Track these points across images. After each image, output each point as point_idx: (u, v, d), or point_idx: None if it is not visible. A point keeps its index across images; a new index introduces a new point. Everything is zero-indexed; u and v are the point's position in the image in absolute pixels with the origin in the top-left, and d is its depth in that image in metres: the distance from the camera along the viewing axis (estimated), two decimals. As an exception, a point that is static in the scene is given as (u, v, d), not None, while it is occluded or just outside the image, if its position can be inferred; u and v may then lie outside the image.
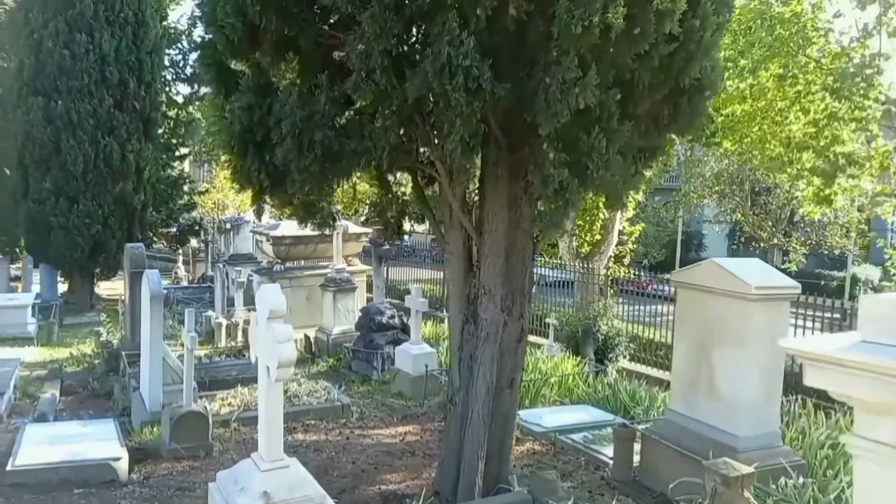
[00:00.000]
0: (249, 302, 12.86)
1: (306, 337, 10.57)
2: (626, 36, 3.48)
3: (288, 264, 11.17)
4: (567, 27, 3.30)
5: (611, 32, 3.39)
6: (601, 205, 18.65)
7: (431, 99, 3.71)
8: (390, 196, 5.20)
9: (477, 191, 4.62)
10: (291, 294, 11.00)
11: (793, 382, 6.01)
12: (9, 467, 4.45)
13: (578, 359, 9.09)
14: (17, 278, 17.66)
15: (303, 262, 11.75)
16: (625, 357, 10.70)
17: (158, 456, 5.34)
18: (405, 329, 9.50)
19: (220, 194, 27.44)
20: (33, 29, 13.54)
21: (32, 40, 13.54)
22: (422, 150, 4.41)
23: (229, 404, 6.73)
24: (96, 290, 16.71)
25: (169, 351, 6.42)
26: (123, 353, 7.80)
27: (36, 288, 16.14)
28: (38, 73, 13.54)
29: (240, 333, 10.71)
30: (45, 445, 4.91)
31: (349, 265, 11.21)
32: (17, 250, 16.22)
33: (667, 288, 15.24)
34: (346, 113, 4.09)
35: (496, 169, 4.30)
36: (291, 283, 11.06)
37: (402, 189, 5.61)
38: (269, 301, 3.23)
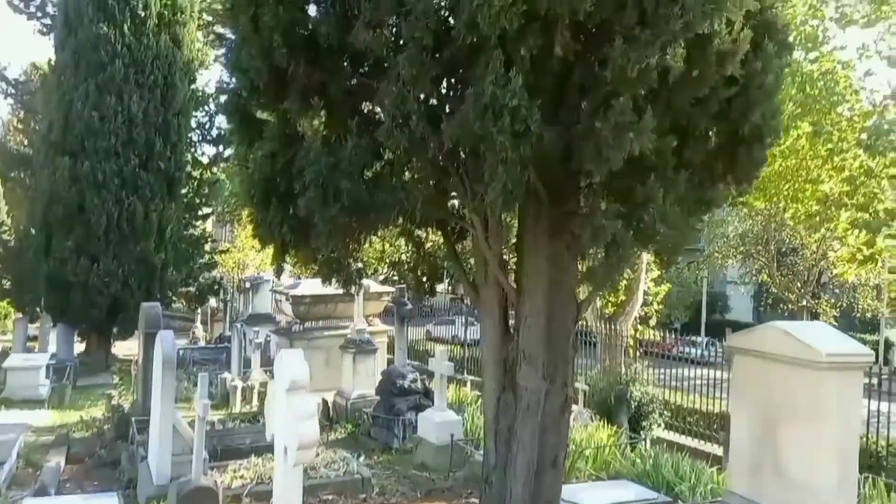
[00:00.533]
0: (266, 363, 12.42)
1: (324, 402, 10.07)
2: (684, 79, 3.17)
3: (307, 324, 10.79)
4: (622, 71, 2.99)
5: (668, 75, 3.08)
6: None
7: (466, 148, 3.41)
8: (421, 252, 4.85)
9: (514, 247, 4.26)
10: (310, 356, 10.52)
11: (865, 460, 5.43)
12: (-3, 551, 4.01)
13: (613, 428, 8.49)
14: (34, 338, 17.44)
15: (321, 323, 11.36)
16: (659, 426, 10.06)
17: (163, 537, 4.86)
18: (428, 394, 8.99)
19: (241, 254, 27.43)
20: (65, 91, 13.72)
21: (63, 102, 13.70)
22: (455, 202, 4.07)
23: (242, 476, 6.23)
24: (113, 350, 16.41)
25: (180, 418, 6.00)
26: (133, 419, 7.38)
27: (52, 348, 15.88)
28: (66, 134, 13.65)
29: (255, 397, 10.24)
30: (40, 525, 4.47)
31: (370, 325, 10.80)
32: (38, 310, 16.03)
33: (693, 350, 14.67)
34: (375, 165, 3.79)
35: (536, 223, 3.94)
36: (310, 343, 10.66)
37: (433, 244, 5.26)
38: (291, 370, 2.83)
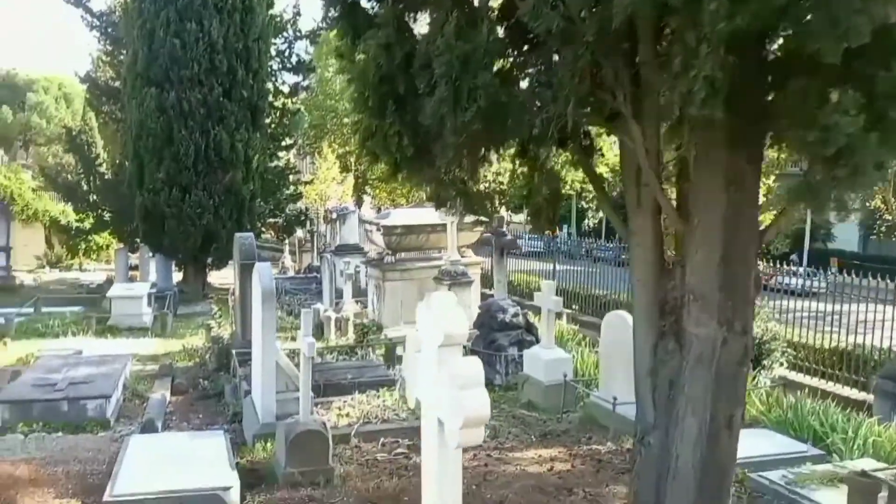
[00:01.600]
0: (358, 294, 12.17)
1: (419, 333, 9.70)
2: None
3: (399, 255, 10.32)
4: None
5: None
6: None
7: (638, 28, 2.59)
8: (541, 173, 4.10)
9: (675, 164, 3.45)
10: (402, 287, 10.19)
11: None
12: (106, 496, 3.74)
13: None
14: (135, 267, 17.96)
15: (413, 254, 10.87)
16: (781, 364, 9.14)
17: (273, 481, 4.54)
18: (530, 329, 8.41)
19: (323, 185, 27.36)
20: (146, 19, 13.39)
21: (145, 31, 13.39)
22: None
23: (347, 415, 5.88)
24: (208, 279, 16.67)
25: (283, 354, 5.65)
26: (234, 351, 7.15)
27: (153, 277, 16.26)
28: (150, 64, 13.40)
29: (350, 329, 9.96)
30: (148, 466, 4.20)
31: (462, 257, 10.23)
32: (137, 241, 16.38)
33: (792, 281, 13.50)
34: (512, 56, 3.03)
35: (709, 130, 3.10)
36: (402, 275, 10.23)
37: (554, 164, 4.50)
38: (444, 319, 2.17)
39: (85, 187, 18.33)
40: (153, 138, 13.77)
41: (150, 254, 15.94)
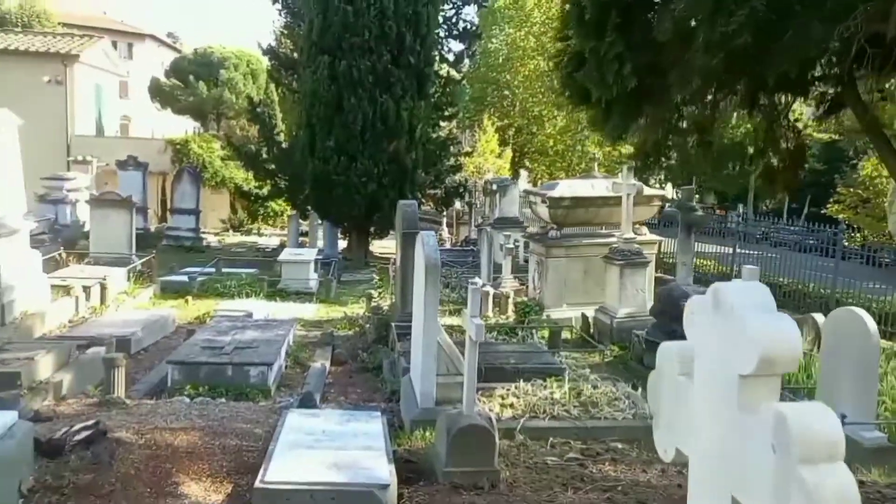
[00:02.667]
0: (517, 270, 11.50)
1: (584, 317, 8.84)
2: None
3: (563, 231, 9.47)
4: None
5: None
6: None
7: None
8: (779, 128, 3.09)
9: None
10: (567, 265, 9.36)
11: None
12: (258, 482, 3.41)
13: None
14: (305, 234, 18.67)
15: (579, 229, 9.95)
16: None
17: (432, 479, 4.01)
18: (720, 320, 7.25)
19: (481, 158, 26.94)
20: (322, -12, 13.46)
21: (321, 0, 13.48)
22: None
23: (511, 406, 5.23)
24: (371, 248, 16.87)
25: (445, 334, 5.13)
26: (393, 324, 6.79)
27: (320, 244, 16.76)
28: (324, 32, 13.48)
29: (510, 307, 9.33)
30: (302, 450, 3.84)
31: (637, 234, 9.16)
32: (308, 208, 16.92)
33: None
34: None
35: None
36: (568, 252, 9.38)
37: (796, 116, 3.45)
38: (760, 330, 1.25)
39: (264, 156, 19.28)
40: (324, 107, 13.94)
41: (319, 221, 16.39)
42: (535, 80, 28.98)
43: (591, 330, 8.73)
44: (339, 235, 16.38)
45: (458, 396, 4.95)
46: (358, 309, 10.11)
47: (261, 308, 9.49)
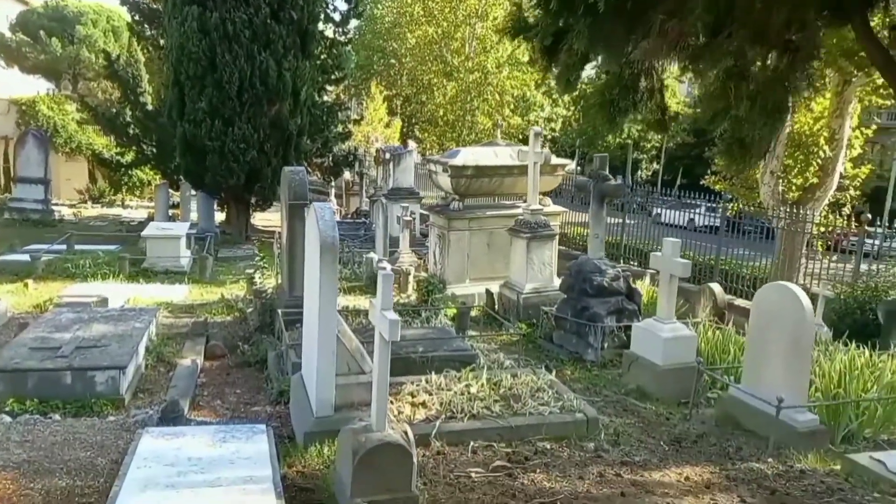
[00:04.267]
0: (417, 244, 10.73)
1: (488, 293, 8.22)
2: None
3: (467, 202, 8.76)
4: None
5: None
6: (823, 141, 14.89)
7: None
8: (760, 81, 2.46)
9: None
10: (470, 239, 8.68)
11: None
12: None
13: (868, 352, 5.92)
14: (176, 205, 16.82)
15: (482, 200, 9.29)
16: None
17: (333, 514, 3.17)
18: (632, 296, 6.85)
19: (369, 127, 25.75)
20: (187, -74, 11.72)
21: (186, -60, 11.75)
22: None
23: (423, 405, 4.46)
24: (252, 220, 15.42)
25: (346, 325, 4.24)
26: (280, 310, 5.78)
27: (193, 216, 15.08)
28: (191, -22, 11.80)
29: (410, 284, 8.54)
30: (159, 491, 2.85)
31: (542, 206, 8.62)
32: (179, 177, 15.14)
33: (875, 243, 12.14)
34: None
35: None
36: (471, 225, 8.69)
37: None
38: None
39: (127, 119, 17.09)
40: (194, 63, 12.29)
41: (192, 191, 14.71)
42: (425, 48, 28.00)
43: (496, 306, 8.14)
44: (216, 207, 14.80)
45: (361, 399, 4.12)
46: (238, 290, 8.91)
47: (120, 292, 8.07)
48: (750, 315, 4.85)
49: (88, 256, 10.49)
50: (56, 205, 17.37)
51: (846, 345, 5.76)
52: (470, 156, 8.55)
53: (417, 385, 4.69)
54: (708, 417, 4.93)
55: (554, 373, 6.02)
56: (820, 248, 14.34)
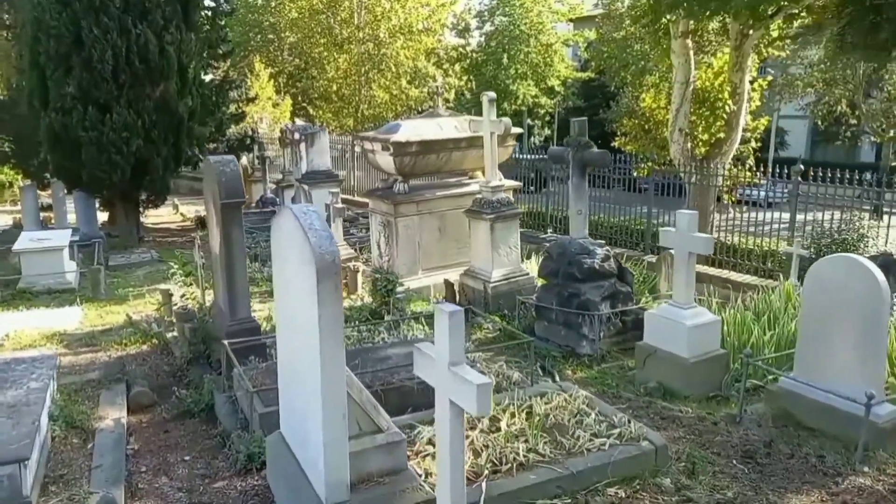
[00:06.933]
0: (348, 234, 9.47)
1: (447, 284, 7.19)
2: None
3: (412, 182, 7.62)
4: None
5: None
6: (726, 95, 14.93)
7: None
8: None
9: None
10: (420, 224, 7.58)
11: None
12: None
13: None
14: (48, 208, 14.33)
15: (427, 180, 8.18)
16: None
17: None
18: (623, 276, 6.06)
19: (257, 107, 23.57)
20: None
21: None
22: None
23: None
24: (143, 219, 13.36)
25: (354, 378, 3.06)
26: (225, 342, 4.44)
27: (70, 219, 12.82)
28: (41, -64, 9.61)
29: (359, 282, 7.33)
30: None
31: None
32: (47, 175, 12.78)
33: (755, 192, 12.60)
34: None
35: None
36: (420, 208, 7.56)
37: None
38: None
39: (-29, 111, 14.26)
40: (55, 41, 10.15)
41: (66, 191, 12.45)
42: (310, 19, 25.95)
43: (458, 298, 7.13)
44: (98, 207, 12.64)
45: (380, 468, 3.01)
46: (146, 308, 7.32)
47: (-6, 327, 6.31)
48: (804, 293, 4.15)
49: (-56, 281, 8.41)
50: None
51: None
52: (412, 130, 7.38)
53: (424, 426, 3.60)
54: (760, 416, 4.22)
55: (554, 372, 5.17)
56: (730, 202, 14.45)
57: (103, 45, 10.15)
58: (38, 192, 13.32)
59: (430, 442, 3.47)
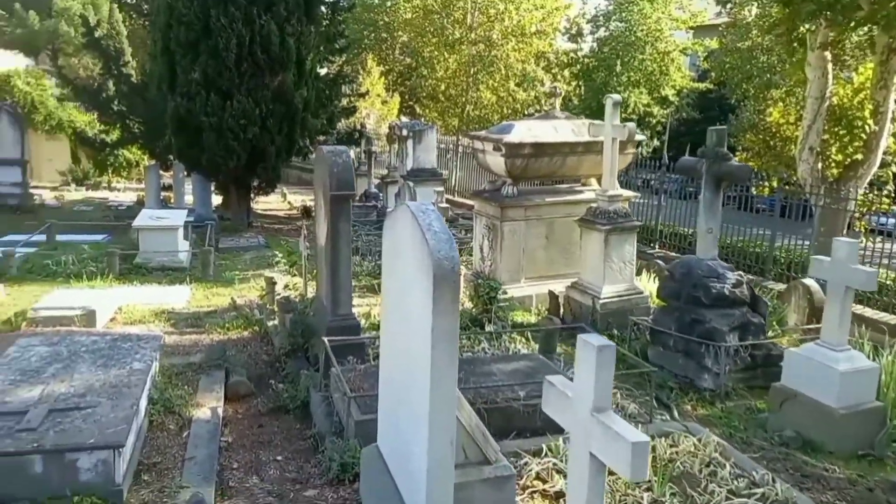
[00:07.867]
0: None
1: (552, 295, 6.74)
2: None
3: (521, 186, 7.22)
4: None
5: None
6: (867, 114, 13.46)
7: None
8: None
9: None
10: (526, 230, 7.16)
11: None
12: None
13: None
14: (168, 187, 15.09)
15: (539, 184, 7.74)
16: None
17: None
18: (756, 306, 5.39)
19: (367, 102, 23.94)
20: None
21: None
22: None
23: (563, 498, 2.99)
24: (253, 205, 13.76)
25: (464, 400, 2.76)
26: (325, 339, 4.24)
27: (188, 200, 13.40)
28: (180, -72, 10.00)
29: (461, 287, 7.02)
30: None
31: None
32: (170, 157, 13.40)
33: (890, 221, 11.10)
34: None
35: None
36: (528, 214, 7.15)
37: None
38: None
39: (110, 93, 15.23)
40: (185, 28, 10.56)
41: (185, 173, 13.02)
42: (424, 20, 26.09)
43: (562, 312, 6.67)
44: (213, 191, 13.12)
45: (483, 498, 2.63)
46: (249, 293, 7.38)
47: (109, 300, 6.50)
48: None
49: (72, 249, 8.89)
50: (36, 188, 15.58)
51: None
52: (526, 131, 6.99)
53: (542, 458, 3.22)
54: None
55: (675, 413, 4.62)
56: (862, 229, 13.03)
57: (229, 33, 10.45)
58: (161, 172, 14.04)
59: (539, 477, 3.09)
